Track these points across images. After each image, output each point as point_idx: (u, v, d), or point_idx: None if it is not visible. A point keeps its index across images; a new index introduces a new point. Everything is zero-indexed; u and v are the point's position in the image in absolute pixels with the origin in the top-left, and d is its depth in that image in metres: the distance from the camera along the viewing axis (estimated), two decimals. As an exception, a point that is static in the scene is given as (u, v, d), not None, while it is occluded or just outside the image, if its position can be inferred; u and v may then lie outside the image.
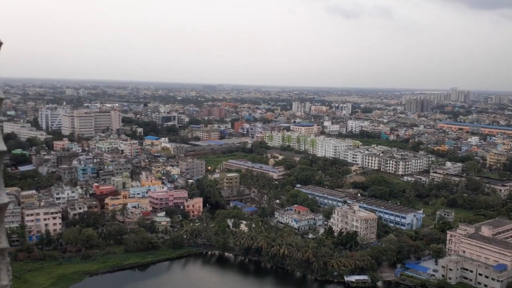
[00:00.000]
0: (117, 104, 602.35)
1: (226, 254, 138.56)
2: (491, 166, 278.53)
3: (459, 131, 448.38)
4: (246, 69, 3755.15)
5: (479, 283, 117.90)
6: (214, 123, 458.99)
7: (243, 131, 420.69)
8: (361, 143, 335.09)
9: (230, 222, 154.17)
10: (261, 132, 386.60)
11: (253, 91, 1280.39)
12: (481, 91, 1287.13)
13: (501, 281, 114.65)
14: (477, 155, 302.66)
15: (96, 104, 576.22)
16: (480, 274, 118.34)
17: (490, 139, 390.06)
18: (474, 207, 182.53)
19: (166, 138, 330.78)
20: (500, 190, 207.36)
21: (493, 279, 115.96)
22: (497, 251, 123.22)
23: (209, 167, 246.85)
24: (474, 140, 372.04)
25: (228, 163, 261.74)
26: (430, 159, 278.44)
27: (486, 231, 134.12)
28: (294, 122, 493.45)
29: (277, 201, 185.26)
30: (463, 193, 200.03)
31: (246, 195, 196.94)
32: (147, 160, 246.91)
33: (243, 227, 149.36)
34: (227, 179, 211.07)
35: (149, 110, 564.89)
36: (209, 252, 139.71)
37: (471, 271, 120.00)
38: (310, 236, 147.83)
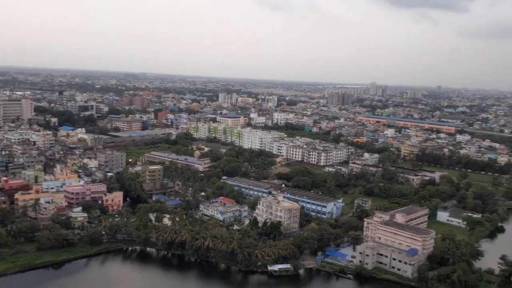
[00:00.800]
0: (29, 92, 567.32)
1: (148, 249, 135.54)
2: (405, 157, 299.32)
3: (376, 123, 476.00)
4: (171, 58, 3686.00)
5: (393, 267, 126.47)
6: (136, 113, 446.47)
7: (167, 122, 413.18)
8: (286, 135, 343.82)
9: (152, 216, 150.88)
10: (186, 123, 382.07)
11: (178, 81, 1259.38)
12: (397, 86, 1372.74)
13: (412, 264, 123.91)
14: (393, 147, 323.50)
15: (4, 92, 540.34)
16: (394, 259, 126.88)
17: (405, 131, 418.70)
18: (389, 196, 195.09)
19: (83, 129, 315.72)
20: (413, 180, 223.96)
21: (405, 263, 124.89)
22: (409, 237, 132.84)
23: (130, 160, 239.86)
24: (390, 132, 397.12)
25: (150, 155, 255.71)
26: (350, 150, 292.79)
27: (399, 218, 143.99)
28: (221, 113, 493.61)
29: (203, 193, 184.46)
30: (379, 182, 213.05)
31: (170, 188, 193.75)
32: (62, 152, 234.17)
33: (167, 221, 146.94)
34: (149, 172, 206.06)
35: (65, 98, 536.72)
36: (130, 248, 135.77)
37: (386, 256, 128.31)
38: (235, 227, 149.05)
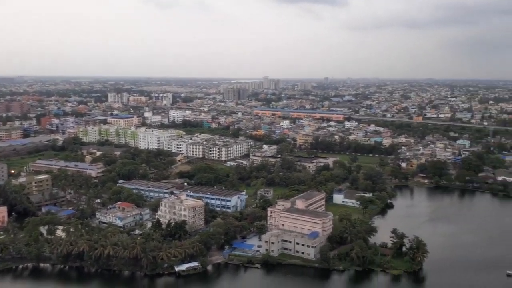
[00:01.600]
0: None
1: (42, 265, 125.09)
2: (301, 146, 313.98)
3: (272, 116, 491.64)
4: (51, 59, 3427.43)
5: (297, 252, 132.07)
6: (15, 120, 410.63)
7: (52, 127, 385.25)
8: (184, 133, 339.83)
9: (43, 230, 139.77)
10: (73, 127, 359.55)
11: (61, 83, 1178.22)
12: (289, 79, 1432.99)
13: (314, 247, 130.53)
14: (289, 137, 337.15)
15: None
16: (297, 243, 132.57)
17: (299, 122, 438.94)
18: (289, 184, 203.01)
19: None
20: (309, 167, 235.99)
21: (308, 246, 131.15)
22: (310, 221, 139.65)
23: (13, 171, 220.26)
24: (285, 123, 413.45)
25: (36, 164, 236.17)
26: (249, 143, 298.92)
27: (299, 203, 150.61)
28: (112, 114, 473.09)
29: (98, 200, 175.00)
30: (279, 172, 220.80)
31: (61, 198, 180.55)
32: None
33: (60, 233, 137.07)
34: (36, 183, 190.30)
35: None
36: (21, 266, 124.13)
37: (290, 242, 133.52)
38: (137, 232, 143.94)
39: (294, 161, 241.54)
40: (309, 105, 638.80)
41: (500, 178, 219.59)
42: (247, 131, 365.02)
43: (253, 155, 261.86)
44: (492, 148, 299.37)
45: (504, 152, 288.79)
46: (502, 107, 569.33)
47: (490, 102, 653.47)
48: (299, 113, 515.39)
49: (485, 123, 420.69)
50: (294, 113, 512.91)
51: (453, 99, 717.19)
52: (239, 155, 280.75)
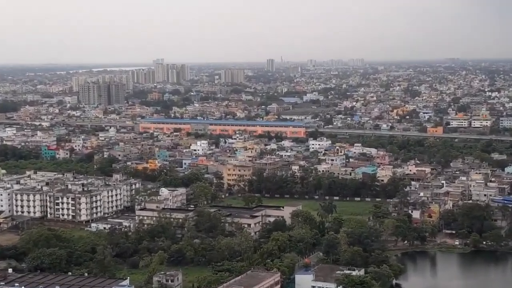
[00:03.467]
0: None
1: None
2: (232, 188, 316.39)
3: (175, 133, 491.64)
4: None
5: None
6: None
7: None
8: (4, 171, 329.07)
9: None
10: None
11: None
12: (202, 65, 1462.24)
13: None
14: (209, 172, 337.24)
15: None
16: None
17: (225, 143, 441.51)
18: (212, 260, 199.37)
19: None
20: (249, 225, 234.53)
21: None
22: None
23: None
24: (200, 146, 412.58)
25: None
26: (134, 186, 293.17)
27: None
28: None
29: None
30: (192, 238, 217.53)
31: None
32: None
33: None
34: None
35: None
36: None
37: None
38: None
39: (220, 216, 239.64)
40: (243, 110, 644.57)
41: None
42: (129, 162, 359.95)
43: (141, 209, 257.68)
44: None
45: None
46: None
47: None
48: (226, 126, 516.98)
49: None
50: (216, 127, 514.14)
51: (494, 94, 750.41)
52: (115, 209, 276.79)
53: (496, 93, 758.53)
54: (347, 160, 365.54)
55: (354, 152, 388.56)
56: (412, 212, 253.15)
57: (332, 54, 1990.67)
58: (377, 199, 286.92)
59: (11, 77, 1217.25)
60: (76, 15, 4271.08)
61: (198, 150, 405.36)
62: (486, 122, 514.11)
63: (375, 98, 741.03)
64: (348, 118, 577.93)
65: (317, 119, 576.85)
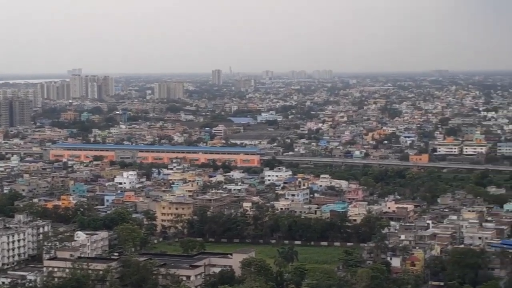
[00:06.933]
0: None
1: None
2: (167, 230, 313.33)
3: (95, 163, 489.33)
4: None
5: None
6: None
7: None
8: None
9: None
10: None
11: None
12: (132, 76, 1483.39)
13: None
14: (138, 211, 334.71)
15: None
16: None
17: (160, 174, 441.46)
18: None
19: None
20: (188, 278, 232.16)
21: None
22: None
23: None
24: (128, 179, 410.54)
25: None
26: (41, 229, 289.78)
27: None
28: None
29: None
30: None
31: None
32: None
33: None
34: None
35: None
36: None
37: None
38: None
39: (151, 266, 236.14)
40: (181, 134, 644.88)
41: None
42: (36, 199, 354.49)
43: (51, 258, 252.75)
44: None
45: None
46: None
47: None
48: (160, 154, 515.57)
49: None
50: (147, 154, 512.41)
51: (490, 114, 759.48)
52: (17, 259, 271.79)
53: (493, 113, 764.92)
54: (311, 196, 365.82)
55: (320, 186, 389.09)
56: (391, 259, 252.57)
57: (293, 64, 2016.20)
58: (348, 244, 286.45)
59: None
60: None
61: (125, 183, 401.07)
62: (481, 149, 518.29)
63: (345, 119, 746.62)
64: (313, 144, 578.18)
65: (275, 144, 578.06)
